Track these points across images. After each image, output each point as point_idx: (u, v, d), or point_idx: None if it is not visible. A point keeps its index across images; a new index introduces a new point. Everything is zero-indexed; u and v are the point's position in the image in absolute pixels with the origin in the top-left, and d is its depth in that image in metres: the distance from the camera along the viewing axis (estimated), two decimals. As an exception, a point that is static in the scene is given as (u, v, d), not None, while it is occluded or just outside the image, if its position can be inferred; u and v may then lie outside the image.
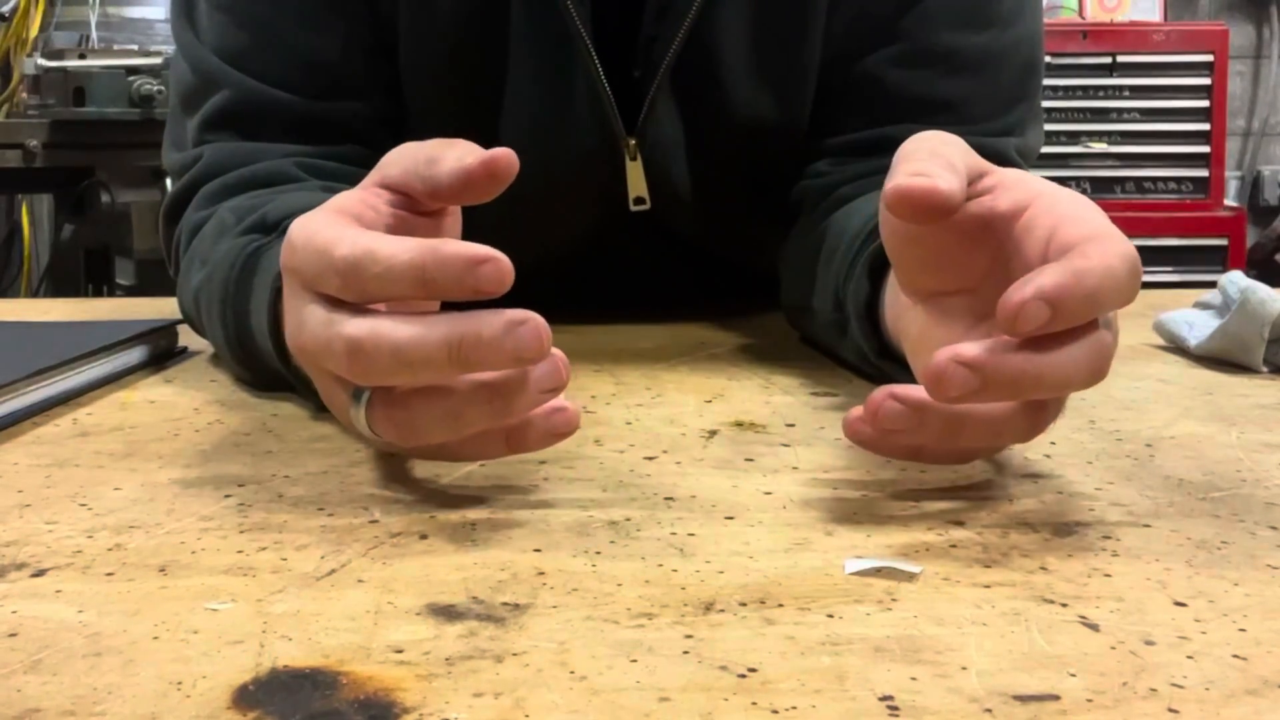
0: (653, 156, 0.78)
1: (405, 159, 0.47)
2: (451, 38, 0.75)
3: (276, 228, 0.62)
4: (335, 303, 0.43)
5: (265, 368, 0.59)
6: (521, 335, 0.40)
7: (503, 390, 0.42)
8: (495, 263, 0.41)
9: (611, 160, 0.77)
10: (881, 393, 0.42)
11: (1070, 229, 0.43)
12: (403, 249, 0.41)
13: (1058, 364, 0.41)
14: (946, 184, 0.43)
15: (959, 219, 0.45)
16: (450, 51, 0.75)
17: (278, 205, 0.64)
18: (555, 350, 0.42)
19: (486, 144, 0.80)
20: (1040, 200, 0.46)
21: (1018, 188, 0.46)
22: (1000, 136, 0.75)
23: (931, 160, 0.44)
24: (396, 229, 0.46)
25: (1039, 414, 0.44)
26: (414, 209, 0.47)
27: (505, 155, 0.44)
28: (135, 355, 0.69)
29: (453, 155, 0.45)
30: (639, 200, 0.79)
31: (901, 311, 0.53)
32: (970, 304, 0.48)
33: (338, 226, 0.44)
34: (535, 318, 0.41)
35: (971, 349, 0.40)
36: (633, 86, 0.76)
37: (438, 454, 0.47)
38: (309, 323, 0.44)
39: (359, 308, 0.42)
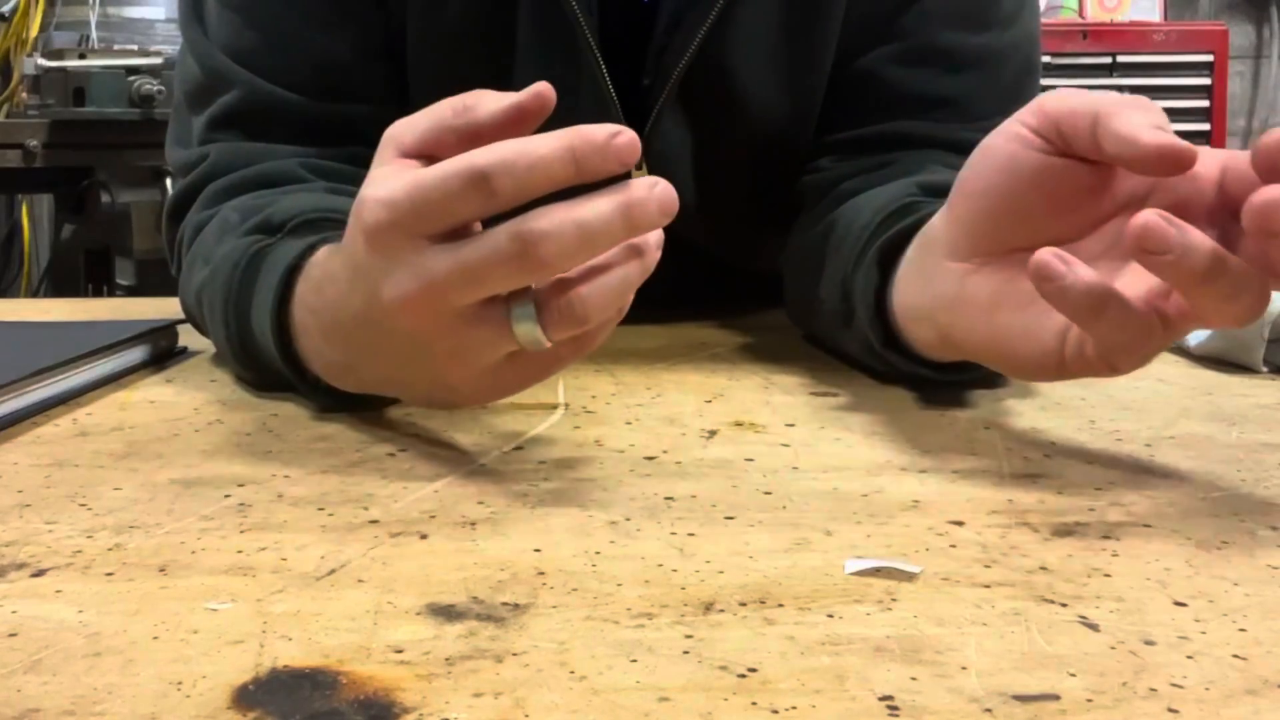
0: (659, 166, 0.77)
1: (420, 124, 0.47)
2: (457, 41, 0.75)
3: (281, 228, 0.62)
4: (456, 234, 0.44)
5: (266, 367, 0.59)
6: (665, 191, 0.44)
7: (641, 244, 0.45)
8: (625, 133, 0.43)
9: None
10: (1148, 213, 0.42)
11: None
12: (549, 137, 0.43)
13: None
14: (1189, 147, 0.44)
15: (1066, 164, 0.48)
16: (456, 54, 0.75)
17: (282, 206, 0.64)
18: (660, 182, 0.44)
19: None
20: None
21: None
22: None
23: (1154, 111, 0.45)
24: None
25: (1267, 285, 0.44)
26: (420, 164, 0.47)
27: (547, 87, 0.46)
28: (135, 355, 0.69)
29: (490, 98, 0.46)
30: None
31: (935, 279, 0.54)
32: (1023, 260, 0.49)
33: (447, 163, 0.44)
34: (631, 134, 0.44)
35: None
36: (641, 95, 0.76)
37: (567, 358, 0.48)
38: (439, 261, 0.44)
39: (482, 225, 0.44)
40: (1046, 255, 0.44)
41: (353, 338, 0.51)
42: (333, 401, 0.58)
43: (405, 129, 0.48)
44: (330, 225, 0.60)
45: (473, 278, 0.44)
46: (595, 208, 0.43)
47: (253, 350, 0.60)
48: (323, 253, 0.54)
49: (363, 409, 0.58)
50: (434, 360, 0.48)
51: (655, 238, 0.45)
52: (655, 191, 0.43)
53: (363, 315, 0.48)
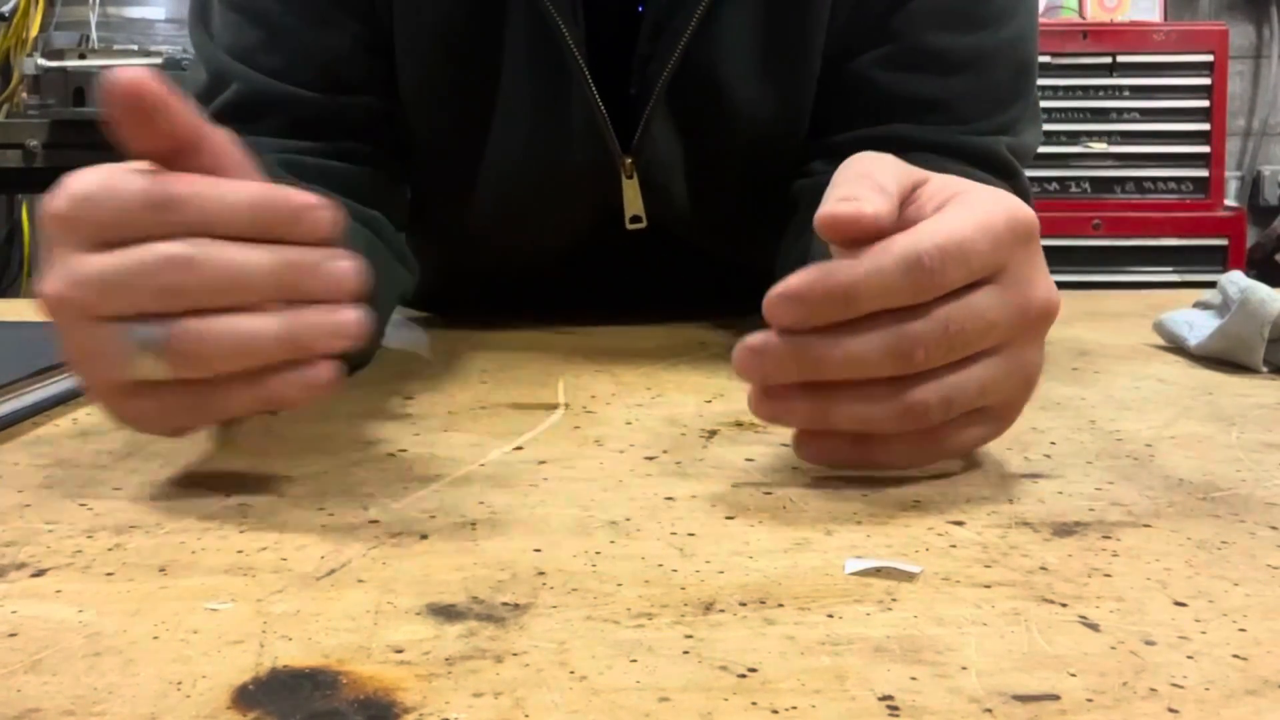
0: (650, 174, 0.78)
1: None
2: (444, 52, 0.75)
3: None
4: (130, 243, 0.42)
5: None
6: (340, 267, 0.43)
7: (300, 321, 0.42)
8: (324, 210, 0.43)
9: (608, 177, 0.77)
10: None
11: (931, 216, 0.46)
12: (241, 189, 0.42)
13: (837, 346, 0.44)
14: (873, 207, 0.44)
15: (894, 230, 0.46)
16: (441, 62, 0.75)
17: None
18: (359, 308, 0.43)
19: (478, 158, 0.80)
20: (955, 198, 0.47)
21: (941, 193, 0.47)
22: (993, 135, 0.75)
23: (859, 183, 0.45)
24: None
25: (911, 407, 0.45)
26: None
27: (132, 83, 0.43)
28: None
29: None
30: (635, 219, 0.79)
31: None
32: None
33: (145, 175, 0.43)
34: (355, 257, 0.43)
35: (756, 336, 0.45)
36: (629, 104, 0.76)
37: (195, 410, 0.44)
38: (91, 264, 0.42)
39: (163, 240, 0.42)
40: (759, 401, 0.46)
41: None
42: None
43: None
44: None
45: (120, 286, 0.42)
46: (248, 256, 0.42)
47: None
48: None
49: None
50: (73, 364, 0.45)
51: (350, 319, 0.43)
52: (339, 263, 0.43)
53: None
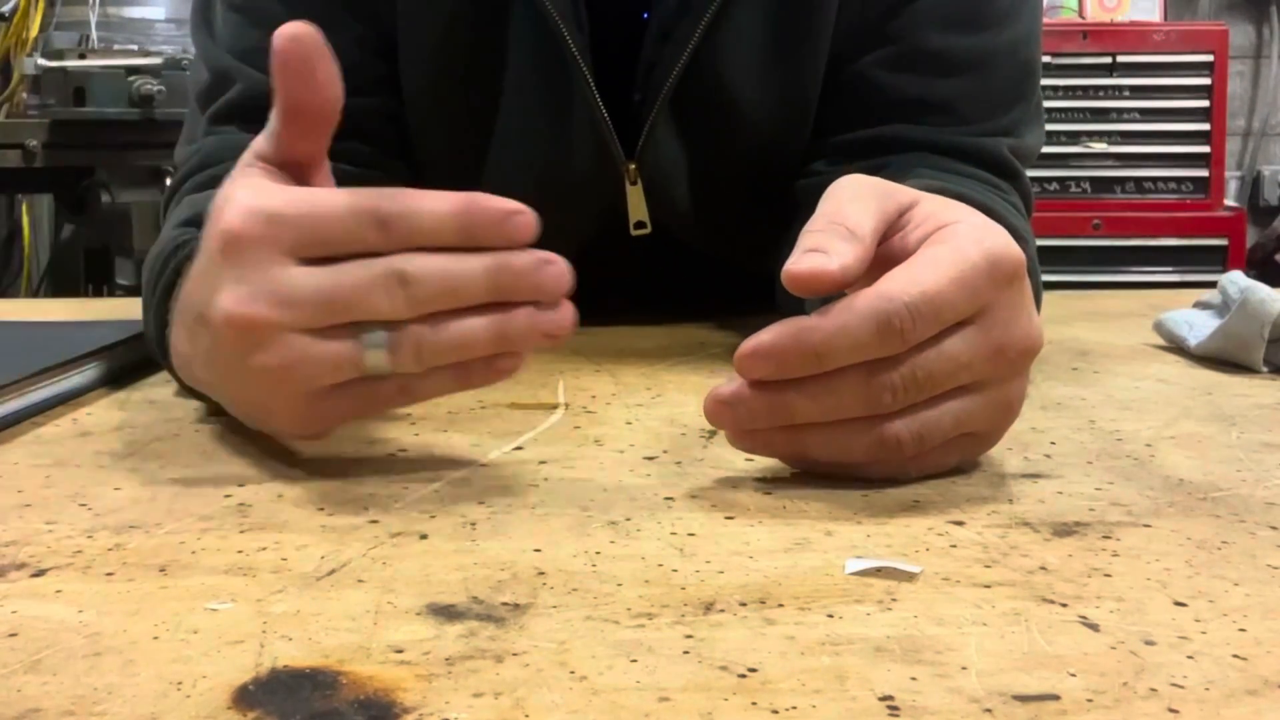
0: (654, 180, 0.77)
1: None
2: (445, 54, 0.75)
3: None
4: (334, 258, 0.44)
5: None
6: (548, 272, 0.45)
7: (511, 323, 0.45)
8: (526, 215, 0.45)
9: (611, 184, 0.77)
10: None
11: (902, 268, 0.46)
12: (445, 200, 0.45)
13: (807, 397, 0.45)
14: (839, 261, 0.45)
15: (877, 260, 0.46)
16: (444, 66, 0.75)
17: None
18: (568, 304, 0.46)
19: (480, 162, 0.80)
20: (939, 233, 0.47)
21: (929, 222, 0.48)
22: (995, 136, 0.75)
23: (830, 231, 0.46)
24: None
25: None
26: (283, 177, 0.48)
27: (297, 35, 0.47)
28: (135, 355, 0.69)
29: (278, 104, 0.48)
30: (639, 224, 0.79)
31: None
32: None
33: (343, 193, 0.45)
34: (561, 260, 0.45)
35: (726, 387, 0.46)
36: (632, 110, 0.76)
37: (399, 397, 0.47)
38: (305, 281, 0.44)
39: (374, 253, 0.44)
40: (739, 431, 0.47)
41: (194, 335, 0.49)
42: (186, 393, 0.58)
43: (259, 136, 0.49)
44: None
45: (344, 303, 0.44)
46: (466, 265, 0.44)
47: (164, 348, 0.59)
48: None
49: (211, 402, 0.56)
50: (256, 378, 0.46)
51: (558, 320, 0.46)
52: (546, 268, 0.45)
53: (203, 316, 0.47)
